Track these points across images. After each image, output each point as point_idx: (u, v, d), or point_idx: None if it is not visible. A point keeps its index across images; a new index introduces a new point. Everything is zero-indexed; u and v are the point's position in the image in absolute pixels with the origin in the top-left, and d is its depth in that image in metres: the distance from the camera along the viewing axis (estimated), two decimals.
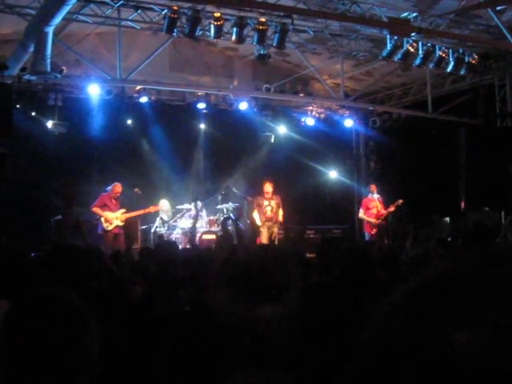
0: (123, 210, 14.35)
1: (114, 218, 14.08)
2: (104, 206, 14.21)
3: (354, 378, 1.10)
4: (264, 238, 14.51)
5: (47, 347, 1.97)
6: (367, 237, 16.06)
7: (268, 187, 15.18)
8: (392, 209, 16.05)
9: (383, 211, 16.12)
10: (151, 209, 14.79)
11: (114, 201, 14.35)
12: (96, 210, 14.18)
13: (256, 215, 15.09)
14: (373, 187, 16.58)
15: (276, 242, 14.35)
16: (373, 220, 16.02)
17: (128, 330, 3.77)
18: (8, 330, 2.04)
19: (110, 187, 14.38)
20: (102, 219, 14.13)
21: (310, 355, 2.69)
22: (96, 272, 5.35)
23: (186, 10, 12.37)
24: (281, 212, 15.19)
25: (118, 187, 14.36)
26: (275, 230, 14.89)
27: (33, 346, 1.97)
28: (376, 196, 16.35)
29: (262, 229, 14.76)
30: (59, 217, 14.74)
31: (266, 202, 15.10)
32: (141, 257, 7.49)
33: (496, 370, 0.96)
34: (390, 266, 4.88)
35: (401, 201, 15.92)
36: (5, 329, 2.04)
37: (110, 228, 14.06)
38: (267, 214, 14.98)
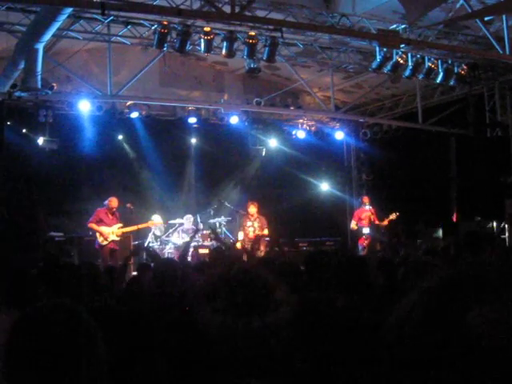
0: (120, 225, 14.18)
1: (109, 233, 13.92)
2: (100, 222, 14.01)
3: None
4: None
5: (55, 357, 1.97)
6: (360, 248, 16.06)
7: (252, 209, 15.16)
8: (385, 223, 16.08)
9: (376, 223, 16.16)
10: (149, 223, 14.77)
11: (110, 216, 14.15)
12: (91, 225, 14.01)
13: (240, 236, 15.08)
14: (365, 199, 16.67)
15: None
16: (365, 230, 16.06)
17: (123, 344, 3.73)
18: (15, 340, 2.03)
19: (106, 201, 14.22)
20: (97, 234, 13.97)
21: (302, 366, 2.67)
22: (90, 287, 5.32)
23: (175, 25, 12.41)
24: (266, 232, 15.07)
25: (113, 201, 14.18)
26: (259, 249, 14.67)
27: (40, 356, 1.97)
28: (368, 207, 16.40)
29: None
30: (51, 233, 14.71)
31: (249, 223, 15.12)
32: (138, 272, 7.45)
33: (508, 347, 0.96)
34: (386, 275, 4.88)
35: (395, 215, 15.93)
36: (12, 339, 2.04)
37: (105, 243, 13.88)
38: (249, 234, 14.96)
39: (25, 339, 2.03)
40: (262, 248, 14.22)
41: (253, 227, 15.03)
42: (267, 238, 14.57)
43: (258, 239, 14.22)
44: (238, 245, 14.28)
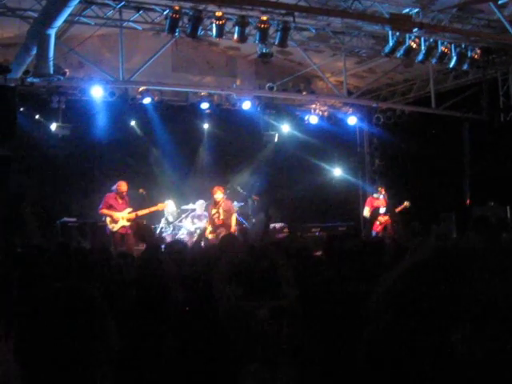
0: (129, 210, 13.91)
1: (119, 218, 13.73)
2: (110, 207, 13.78)
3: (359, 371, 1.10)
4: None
5: (66, 338, 1.99)
6: (374, 234, 16.03)
7: (218, 194, 14.52)
8: (398, 210, 16.10)
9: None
10: (159, 206, 14.49)
11: (119, 200, 13.87)
12: (103, 211, 13.77)
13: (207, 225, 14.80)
14: (381, 189, 16.58)
15: None
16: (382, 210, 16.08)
17: (136, 326, 3.77)
18: (28, 322, 2.06)
19: (114, 186, 13.95)
20: (108, 220, 13.74)
21: (312, 349, 2.69)
22: (103, 271, 5.36)
23: (187, 10, 12.38)
24: (235, 216, 14.76)
25: (122, 186, 13.89)
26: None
27: (52, 336, 1.99)
28: (382, 196, 16.38)
29: (211, 235, 14.22)
30: (64, 219, 14.77)
31: (214, 211, 14.48)
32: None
33: (491, 366, 0.96)
34: (399, 260, 4.86)
35: (407, 203, 15.91)
36: (25, 321, 2.06)
37: (116, 229, 13.68)
38: (215, 221, 14.45)
39: (37, 320, 2.05)
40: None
41: (218, 213, 14.48)
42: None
43: (226, 228, 13.96)
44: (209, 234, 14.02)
